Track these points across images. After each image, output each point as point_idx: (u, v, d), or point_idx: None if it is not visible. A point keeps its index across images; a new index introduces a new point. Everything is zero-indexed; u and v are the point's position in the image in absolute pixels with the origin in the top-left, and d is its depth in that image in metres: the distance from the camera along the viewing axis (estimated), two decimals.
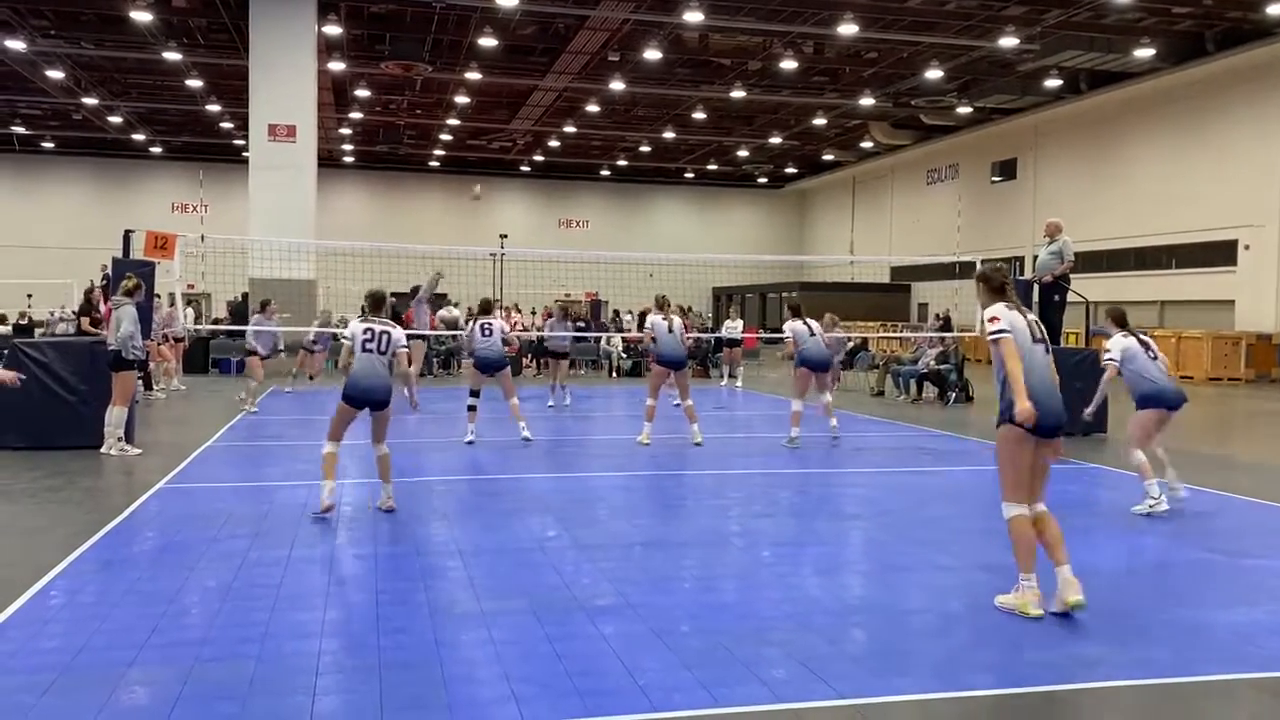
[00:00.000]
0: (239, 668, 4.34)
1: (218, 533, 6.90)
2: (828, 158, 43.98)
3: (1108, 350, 8.15)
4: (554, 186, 48.81)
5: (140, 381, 13.93)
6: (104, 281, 16.46)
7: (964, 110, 33.13)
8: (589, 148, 42.95)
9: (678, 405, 12.48)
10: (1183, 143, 28.84)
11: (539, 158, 44.70)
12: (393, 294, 27.65)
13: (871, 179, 46.01)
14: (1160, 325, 28.64)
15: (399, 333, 7.61)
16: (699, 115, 34.71)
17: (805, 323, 11.97)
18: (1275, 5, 21.84)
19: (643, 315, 31.01)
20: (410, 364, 9.73)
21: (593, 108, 34.06)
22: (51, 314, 26.26)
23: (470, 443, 11.41)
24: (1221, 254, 27.44)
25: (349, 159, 45.11)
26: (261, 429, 13.05)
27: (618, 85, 29.79)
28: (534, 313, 31.84)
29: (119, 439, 10.42)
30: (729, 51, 28.17)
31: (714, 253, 43.56)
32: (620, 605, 5.34)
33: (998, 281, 5.49)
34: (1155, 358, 8.13)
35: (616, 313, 33.88)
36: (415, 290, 17.70)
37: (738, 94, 31.13)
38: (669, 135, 38.35)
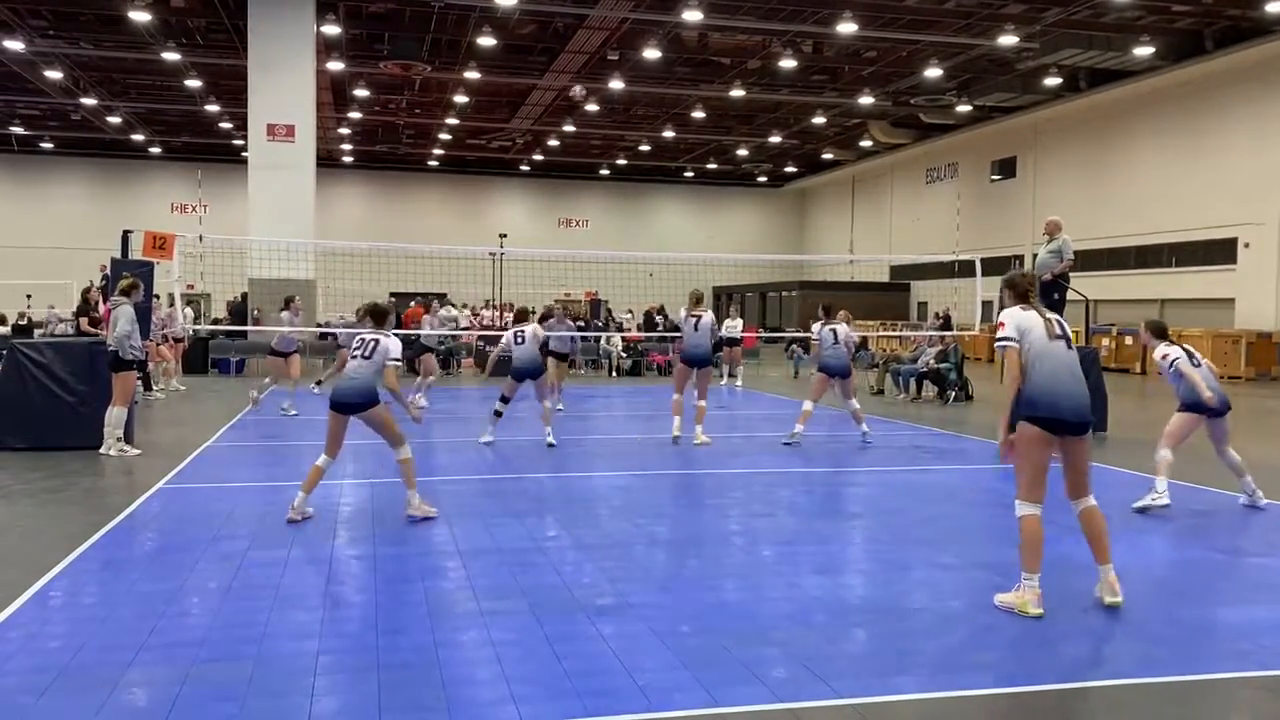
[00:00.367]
0: (238, 668, 4.34)
1: (217, 533, 6.90)
2: (827, 157, 43.97)
3: (1164, 355, 8.32)
4: (554, 186, 48.80)
5: (140, 382, 13.93)
6: (103, 282, 16.45)
7: (963, 109, 33.12)
8: (588, 147, 42.94)
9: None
10: (1182, 141, 28.84)
11: (538, 157, 44.68)
12: (391, 294, 27.63)
13: (871, 178, 46.00)
14: None
15: (389, 343, 7.44)
16: (698, 114, 34.69)
17: (832, 329, 12.12)
18: (1274, 3, 21.82)
19: (647, 315, 31.05)
20: (426, 374, 9.78)
21: (592, 107, 34.04)
22: (49, 313, 26.23)
23: (489, 443, 11.40)
24: (1221, 252, 27.44)
25: (348, 159, 45.10)
26: (261, 429, 13.05)
27: (617, 84, 29.77)
28: (533, 312, 31.82)
29: (118, 439, 10.41)
30: (728, 50, 28.16)
31: (714, 252, 43.58)
32: (620, 605, 5.33)
33: (1022, 288, 5.56)
34: (1199, 365, 8.26)
35: (610, 312, 33.79)
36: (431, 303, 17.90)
37: (737, 93, 31.11)
38: (668, 134, 38.34)
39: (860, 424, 12.35)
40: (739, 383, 21.12)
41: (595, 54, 27.60)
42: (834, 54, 28.20)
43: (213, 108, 33.98)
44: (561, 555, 6.45)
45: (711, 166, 46.84)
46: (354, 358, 7.41)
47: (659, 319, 29.98)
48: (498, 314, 28.83)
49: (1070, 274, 13.47)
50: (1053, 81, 29.12)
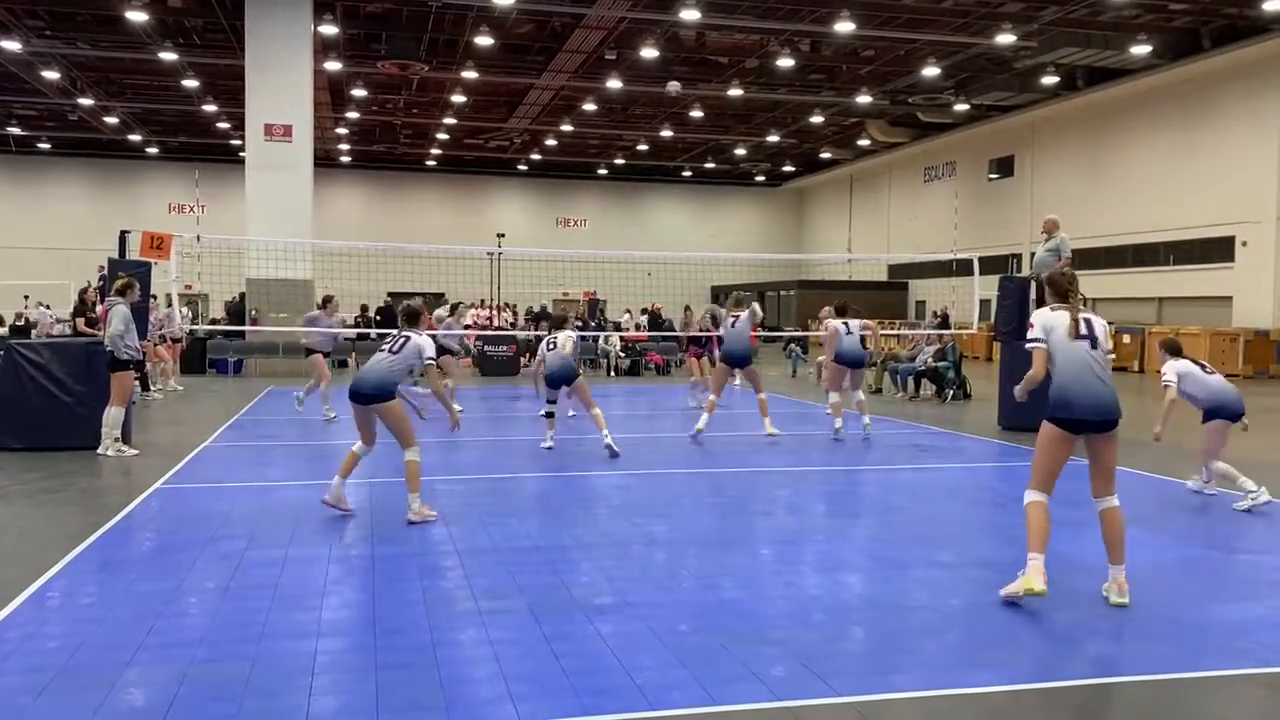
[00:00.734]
0: (236, 668, 4.33)
1: (215, 533, 6.89)
2: (825, 156, 43.97)
3: (1166, 377, 8.60)
4: (551, 185, 48.79)
5: (137, 382, 13.91)
6: (100, 282, 16.43)
7: (961, 108, 33.13)
8: (586, 146, 42.92)
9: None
10: (1180, 139, 28.86)
11: (536, 156, 44.66)
12: (389, 294, 27.66)
13: (869, 177, 46.01)
14: (1158, 322, 28.68)
15: (420, 341, 7.39)
16: (696, 113, 34.68)
17: (845, 322, 12.60)
18: (1271, 2, 21.85)
19: (653, 316, 30.96)
20: (446, 377, 9.76)
21: (590, 106, 34.04)
22: (42, 313, 26.20)
23: (549, 448, 11.32)
24: (1219, 250, 27.46)
25: (346, 159, 45.07)
26: (259, 430, 13.03)
27: (615, 84, 29.77)
28: (530, 311, 31.81)
29: (116, 440, 10.41)
30: (726, 50, 28.15)
31: (712, 251, 43.58)
32: (618, 604, 5.33)
33: (1062, 287, 5.65)
34: (1212, 372, 8.58)
35: (603, 313, 33.64)
36: (455, 307, 17.67)
37: (735, 92, 31.11)
38: (666, 134, 38.32)
39: (864, 415, 12.59)
40: (737, 382, 21.09)
41: (593, 53, 27.59)
42: (832, 53, 28.21)
43: (210, 108, 33.94)
44: (560, 554, 6.44)
45: (710, 166, 46.83)
46: (381, 350, 7.45)
47: (664, 318, 29.90)
48: (496, 314, 28.80)
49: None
50: (1050, 80, 29.13)
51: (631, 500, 8.60)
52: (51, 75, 29.35)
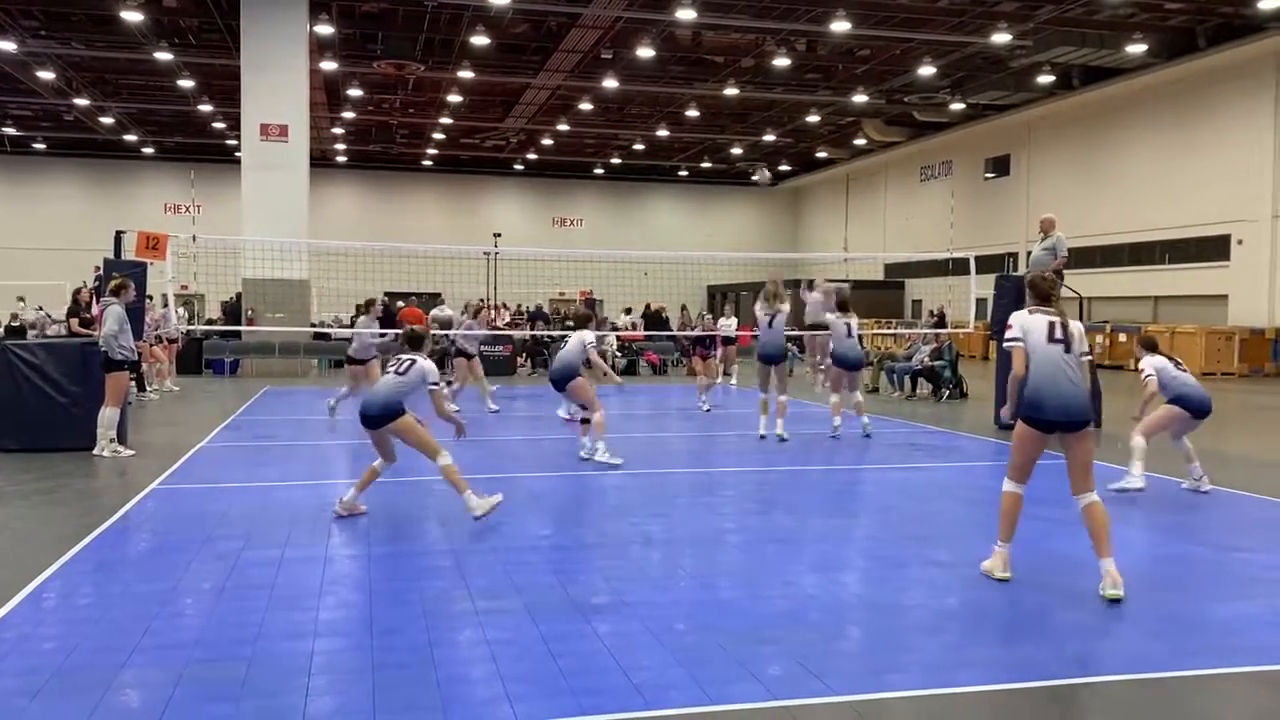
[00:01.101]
0: (232, 669, 4.33)
1: (211, 534, 6.88)
2: (821, 155, 43.98)
3: (1145, 371, 8.87)
4: (548, 185, 48.77)
5: (133, 383, 13.88)
6: (96, 283, 16.40)
7: (957, 107, 33.15)
8: (582, 146, 42.91)
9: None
10: (1176, 138, 28.90)
11: (532, 156, 44.63)
12: (386, 294, 27.54)
13: (865, 176, 46.04)
14: (1154, 320, 28.72)
15: (425, 365, 7.39)
16: (692, 113, 34.68)
17: (847, 322, 12.44)
18: (1266, 1, 21.89)
19: (656, 315, 30.92)
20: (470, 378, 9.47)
21: (586, 106, 34.03)
22: (37, 315, 26.15)
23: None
24: (1215, 249, 27.51)
25: (342, 158, 45.01)
26: (255, 430, 13.01)
27: (611, 83, 29.76)
28: (526, 311, 31.80)
29: (111, 440, 10.39)
30: (722, 49, 28.15)
31: (708, 250, 43.58)
32: (615, 604, 5.33)
33: (1043, 290, 5.85)
34: (1184, 370, 8.90)
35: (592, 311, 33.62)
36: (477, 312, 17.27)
37: (731, 92, 31.11)
38: (663, 133, 38.32)
39: (862, 415, 12.57)
40: (734, 381, 21.12)
41: (589, 53, 27.58)
42: (827, 52, 28.22)
43: (205, 108, 33.89)
44: (557, 554, 6.44)
45: (706, 165, 46.83)
46: (387, 373, 7.48)
47: (665, 317, 29.88)
48: (496, 314, 28.77)
49: (1064, 271, 13.50)
50: (1046, 79, 29.15)
51: (628, 500, 8.60)
52: (47, 75, 29.29)
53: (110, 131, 38.61)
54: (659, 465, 10.53)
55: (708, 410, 15.39)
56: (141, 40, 26.24)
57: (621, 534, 7.17)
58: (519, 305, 33.55)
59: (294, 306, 22.82)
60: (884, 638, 4.93)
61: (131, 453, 10.48)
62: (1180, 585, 5.91)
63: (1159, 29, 25.10)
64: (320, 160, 38.81)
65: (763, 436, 12.02)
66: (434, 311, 22.24)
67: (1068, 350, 5.60)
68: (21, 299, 28.60)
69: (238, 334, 22.74)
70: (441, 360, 23.61)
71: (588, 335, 10.56)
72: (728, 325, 22.14)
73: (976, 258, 17.85)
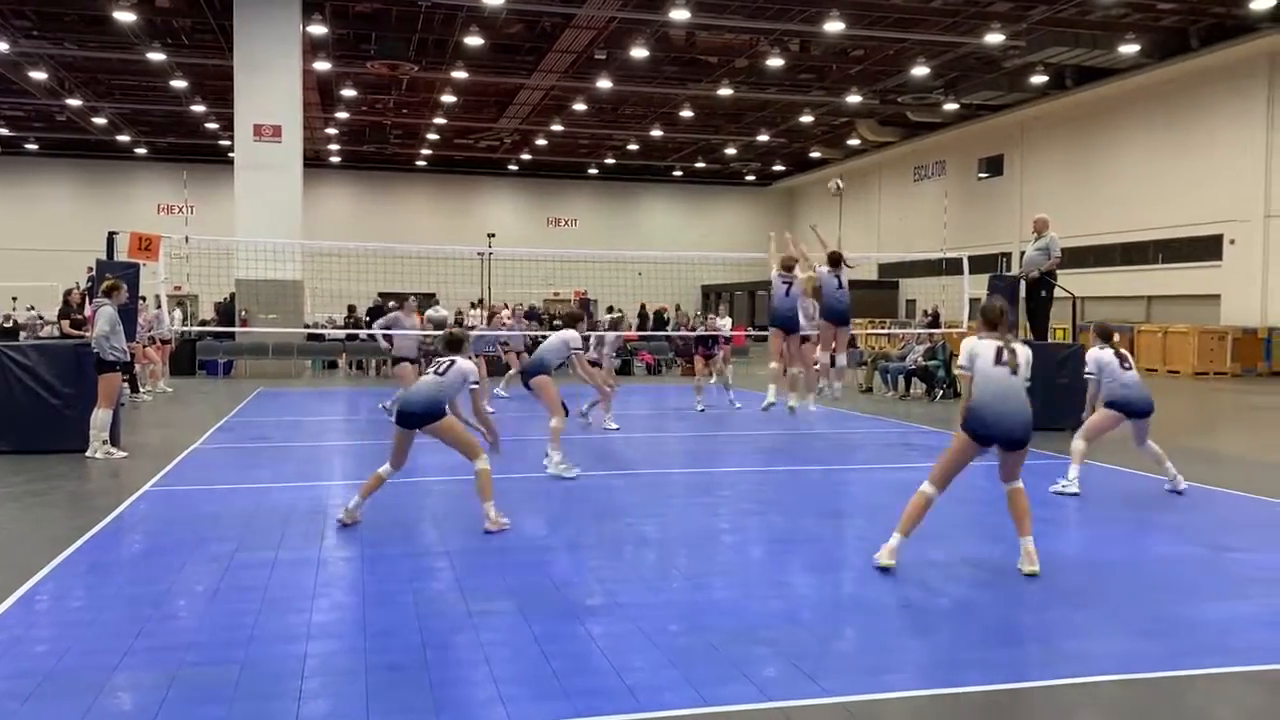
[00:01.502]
0: (225, 671, 4.32)
1: (204, 535, 6.86)
2: (815, 155, 44.03)
3: (1088, 368, 8.98)
4: (542, 185, 48.76)
5: (126, 384, 13.84)
6: (89, 284, 16.36)
7: (950, 107, 33.21)
8: (577, 146, 42.90)
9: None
10: (1168, 138, 28.97)
11: (526, 156, 44.63)
12: (380, 294, 27.43)
13: (859, 176, 46.04)
14: (1147, 320, 28.79)
15: (464, 366, 7.27)
16: (686, 113, 34.70)
17: (836, 274, 11.64)
18: (1258, 1, 21.95)
19: (657, 314, 30.88)
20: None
21: (580, 106, 34.02)
22: (28, 315, 26.10)
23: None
24: (1207, 249, 27.58)
25: (335, 159, 44.97)
26: (249, 431, 12.98)
27: (605, 84, 29.75)
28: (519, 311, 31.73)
29: (104, 442, 10.36)
30: (716, 49, 28.17)
31: (702, 250, 43.60)
32: (609, 605, 5.33)
33: (991, 318, 6.17)
34: (1130, 368, 8.73)
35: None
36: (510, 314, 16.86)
37: (725, 92, 31.13)
38: (656, 133, 38.34)
39: (834, 383, 11.90)
40: (712, 380, 21.10)
41: (583, 53, 27.58)
42: (821, 53, 28.25)
43: (199, 108, 33.83)
44: (550, 555, 6.44)
45: (700, 165, 46.85)
46: (427, 373, 7.36)
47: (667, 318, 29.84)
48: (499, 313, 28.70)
49: (1057, 271, 13.52)
50: (1039, 79, 29.22)
51: (622, 500, 8.60)
52: (39, 76, 29.22)
53: (103, 132, 38.52)
54: (653, 466, 10.52)
55: (701, 410, 15.38)
56: (134, 40, 26.18)
57: (615, 535, 7.17)
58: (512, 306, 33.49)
59: (288, 307, 22.77)
60: (878, 638, 4.93)
61: (124, 454, 10.45)
62: (1174, 585, 5.92)
63: (1151, 29, 25.17)
64: (314, 161, 38.78)
65: (773, 405, 11.59)
66: (429, 313, 22.18)
67: (1014, 373, 5.91)
68: (15, 299, 28.55)
69: (231, 335, 22.69)
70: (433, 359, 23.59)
71: (573, 336, 9.96)
72: (722, 325, 22.16)
73: (970, 258, 17.88)
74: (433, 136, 40.51)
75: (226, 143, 35.92)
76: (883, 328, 31.86)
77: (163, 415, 14.85)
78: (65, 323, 14.93)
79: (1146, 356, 25.72)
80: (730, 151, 43.02)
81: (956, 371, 6.19)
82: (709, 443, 12.52)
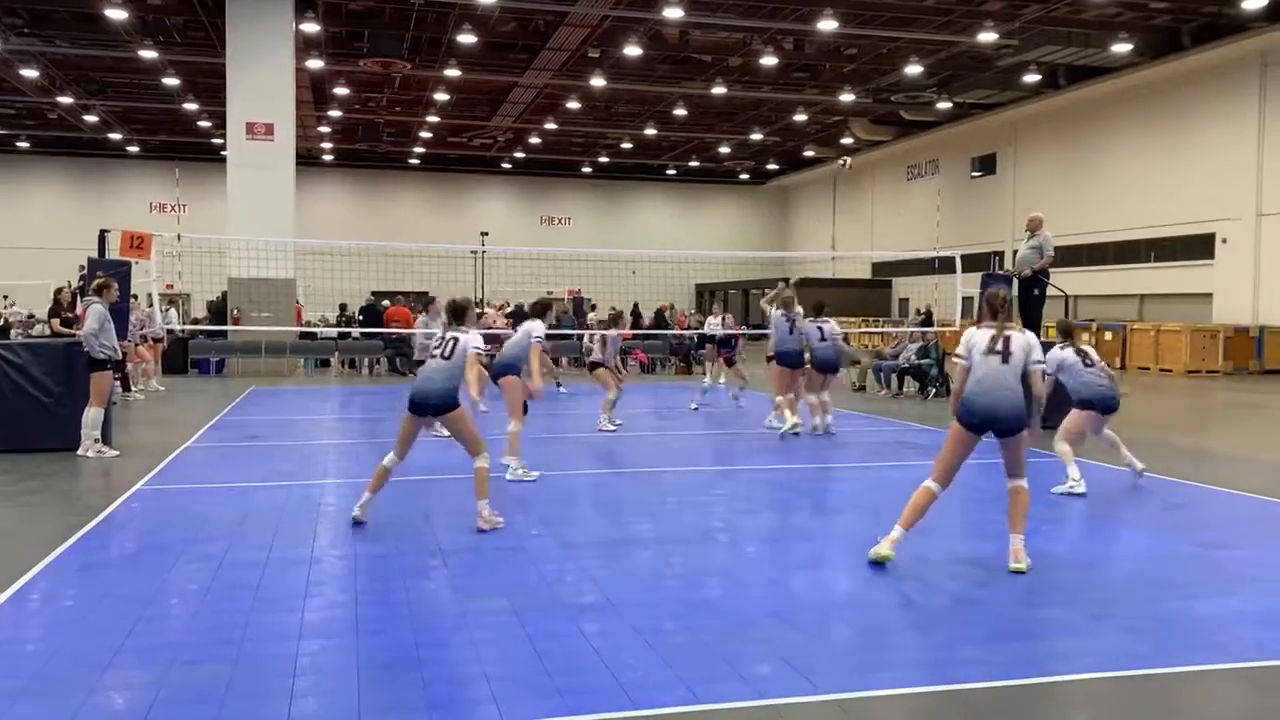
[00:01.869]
0: (217, 670, 4.30)
1: (196, 534, 6.84)
2: (809, 154, 44.06)
3: (1046, 369, 8.99)
4: (535, 183, 48.72)
5: (118, 382, 13.79)
6: (80, 282, 16.29)
7: (943, 106, 33.25)
8: (570, 144, 42.86)
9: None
10: (1160, 137, 29.05)
11: (520, 155, 44.58)
12: (373, 292, 27.37)
13: (852, 175, 46.09)
14: (1140, 318, 28.86)
15: (468, 339, 7.10)
16: (680, 112, 34.69)
17: (819, 326, 12.36)
18: (1250, 0, 22.01)
19: (657, 313, 30.79)
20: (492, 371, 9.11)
21: (573, 104, 34.00)
22: (11, 312, 25.97)
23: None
24: (1199, 247, 27.67)
25: (328, 157, 44.87)
26: (241, 430, 12.95)
27: (598, 82, 29.73)
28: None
29: (96, 440, 10.32)
30: (709, 48, 28.16)
31: (696, 249, 43.62)
32: (602, 603, 5.32)
33: (993, 306, 6.26)
34: (1091, 365, 8.81)
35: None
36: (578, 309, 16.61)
37: (718, 90, 31.13)
38: (650, 132, 38.32)
39: (826, 415, 12.33)
40: (721, 380, 21.12)
41: (576, 51, 27.56)
42: (814, 51, 28.26)
43: (191, 106, 33.73)
44: (543, 553, 6.43)
45: (694, 164, 46.85)
46: (433, 358, 7.13)
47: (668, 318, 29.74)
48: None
49: (1050, 270, 13.54)
50: (1032, 78, 29.28)
51: (615, 498, 8.59)
52: (30, 73, 29.10)
53: (95, 130, 38.39)
54: (645, 464, 10.52)
55: (695, 409, 15.39)
56: (126, 38, 26.09)
57: (609, 533, 7.17)
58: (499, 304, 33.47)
59: (280, 306, 22.72)
60: (871, 636, 4.94)
61: (116, 453, 10.42)
62: (1165, 582, 5.93)
63: (1144, 28, 25.23)
64: (306, 159, 38.68)
65: (792, 433, 11.96)
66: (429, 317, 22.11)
67: (1005, 361, 6.00)
68: (5, 296, 28.42)
69: (224, 333, 22.63)
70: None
71: (536, 326, 9.33)
72: (716, 324, 22.15)
73: (963, 256, 17.89)
74: (426, 135, 40.44)
75: (219, 141, 35.80)
76: (876, 326, 31.88)
77: (155, 414, 14.82)
78: (55, 321, 14.87)
79: (1139, 355, 25.80)
80: (724, 150, 43.03)
81: (954, 360, 6.27)
82: (703, 441, 12.52)
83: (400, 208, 46.16)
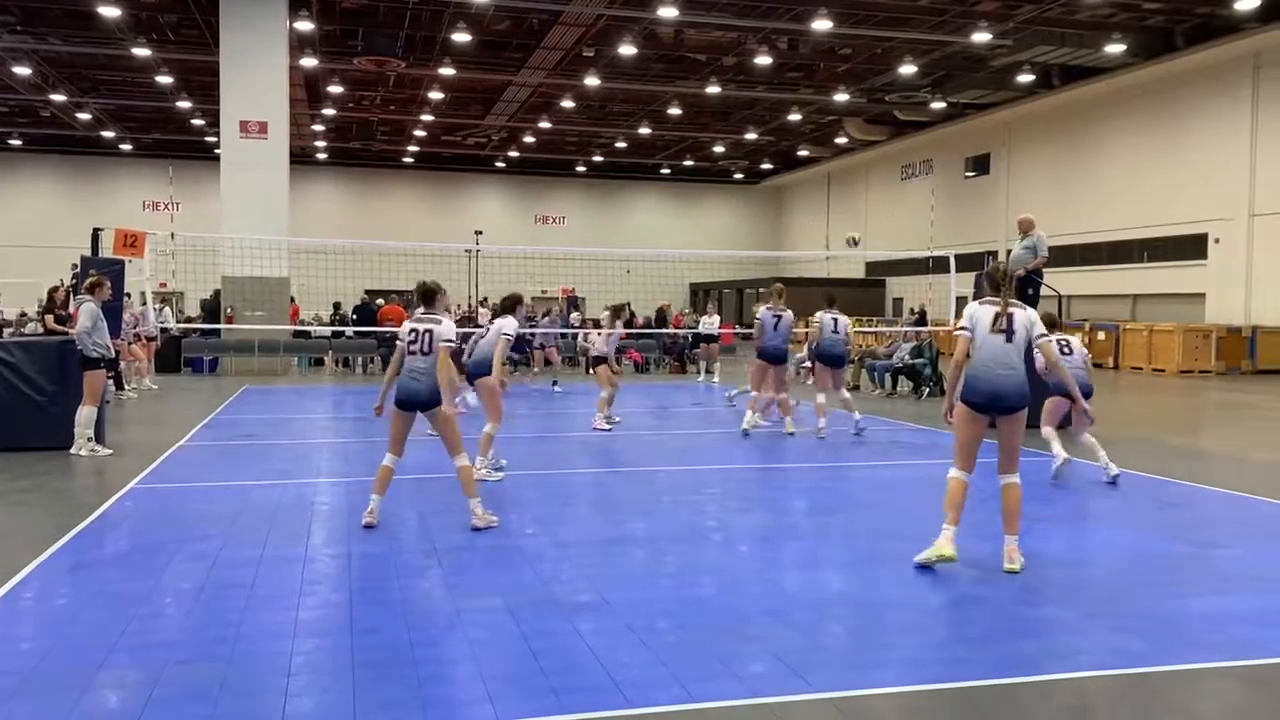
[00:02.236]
0: (211, 669, 4.29)
1: (190, 533, 6.82)
2: (803, 153, 44.08)
3: None
4: (530, 182, 48.68)
5: (111, 381, 13.76)
6: (73, 281, 16.24)
7: (938, 106, 33.29)
8: (564, 143, 42.84)
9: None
10: (1154, 137, 29.12)
11: (514, 153, 44.53)
12: (366, 291, 27.34)
13: (846, 174, 46.17)
14: (1133, 319, 28.93)
15: (442, 328, 6.99)
16: (674, 111, 34.69)
17: (834, 317, 12.41)
18: (1243, 1, 22.08)
19: (659, 313, 30.77)
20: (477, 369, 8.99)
21: (568, 103, 33.97)
22: (19, 312, 25.93)
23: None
24: (1192, 248, 27.74)
25: (322, 155, 44.77)
26: (234, 428, 12.93)
27: (593, 81, 29.72)
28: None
29: (89, 439, 10.29)
30: (703, 47, 28.16)
31: (691, 248, 43.60)
32: (597, 602, 5.32)
33: (995, 281, 6.26)
34: (1071, 353, 9.06)
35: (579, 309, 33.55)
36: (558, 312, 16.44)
37: (713, 90, 31.13)
38: (645, 131, 38.31)
39: (821, 416, 12.24)
40: (715, 379, 21.16)
41: (570, 50, 27.54)
42: (809, 51, 28.28)
43: (184, 104, 33.64)
44: (538, 552, 6.43)
45: (688, 163, 46.85)
46: (411, 354, 7.02)
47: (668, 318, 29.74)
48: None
49: (1044, 270, 13.56)
50: (1026, 78, 29.34)
51: (610, 497, 8.59)
52: (23, 71, 29.00)
53: (88, 128, 38.27)
54: (639, 463, 10.52)
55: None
56: (119, 36, 26.02)
57: (604, 532, 7.16)
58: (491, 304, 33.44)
59: (274, 304, 22.68)
60: (865, 635, 4.94)
61: (109, 452, 10.39)
62: (1159, 581, 5.95)
63: (1137, 29, 25.30)
64: (300, 157, 38.61)
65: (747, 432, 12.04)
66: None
67: (1009, 340, 5.98)
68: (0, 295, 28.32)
69: (217, 332, 22.59)
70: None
71: (508, 323, 9.21)
72: (710, 323, 22.20)
73: (956, 256, 17.93)
74: (420, 133, 40.39)
75: (212, 139, 35.67)
76: (870, 326, 31.91)
77: (148, 412, 14.78)
78: (49, 318, 14.83)
79: (1132, 355, 25.85)
80: (718, 149, 43.04)
81: (957, 333, 6.19)
82: (696, 440, 12.53)
83: (394, 206, 46.08)
